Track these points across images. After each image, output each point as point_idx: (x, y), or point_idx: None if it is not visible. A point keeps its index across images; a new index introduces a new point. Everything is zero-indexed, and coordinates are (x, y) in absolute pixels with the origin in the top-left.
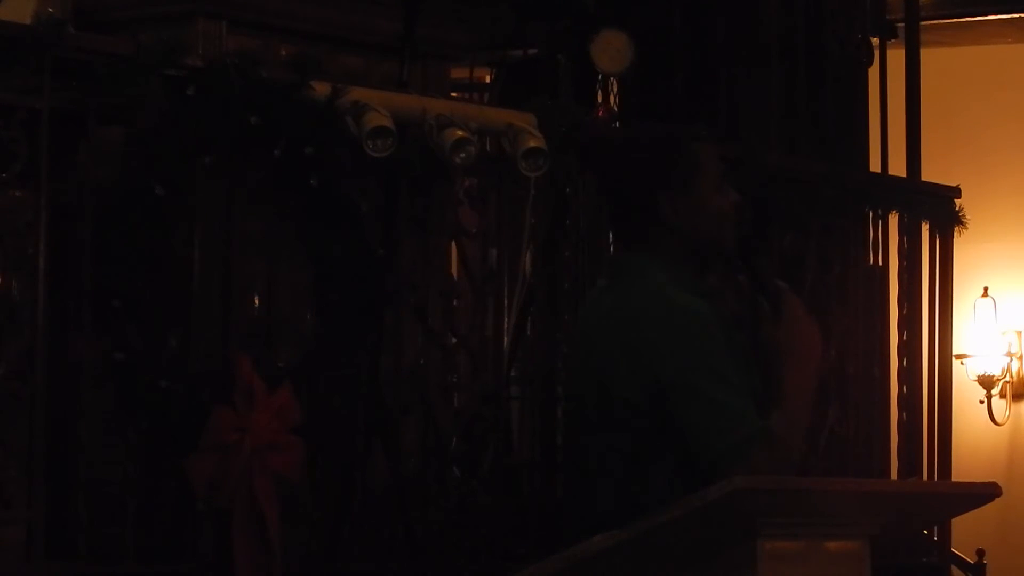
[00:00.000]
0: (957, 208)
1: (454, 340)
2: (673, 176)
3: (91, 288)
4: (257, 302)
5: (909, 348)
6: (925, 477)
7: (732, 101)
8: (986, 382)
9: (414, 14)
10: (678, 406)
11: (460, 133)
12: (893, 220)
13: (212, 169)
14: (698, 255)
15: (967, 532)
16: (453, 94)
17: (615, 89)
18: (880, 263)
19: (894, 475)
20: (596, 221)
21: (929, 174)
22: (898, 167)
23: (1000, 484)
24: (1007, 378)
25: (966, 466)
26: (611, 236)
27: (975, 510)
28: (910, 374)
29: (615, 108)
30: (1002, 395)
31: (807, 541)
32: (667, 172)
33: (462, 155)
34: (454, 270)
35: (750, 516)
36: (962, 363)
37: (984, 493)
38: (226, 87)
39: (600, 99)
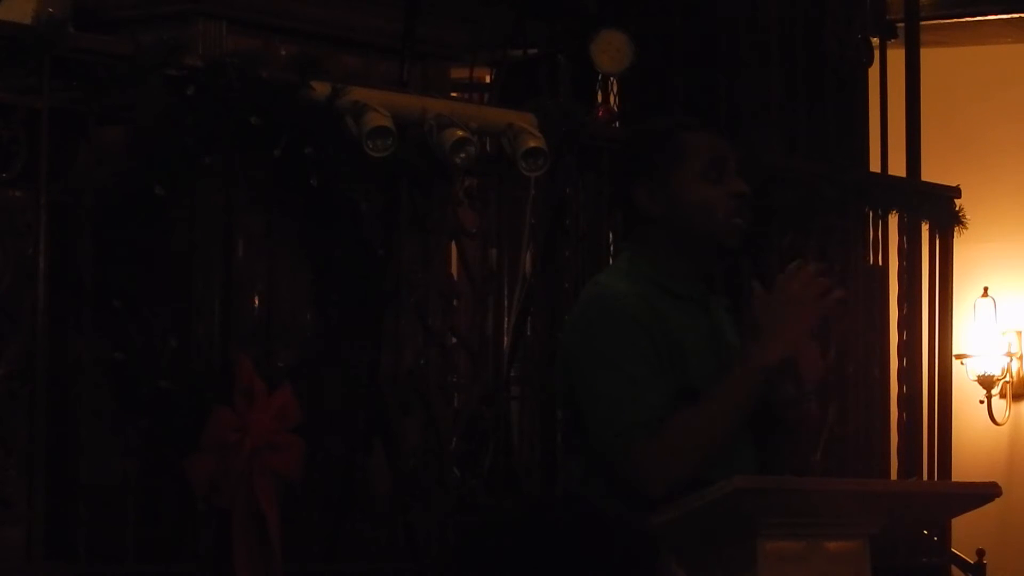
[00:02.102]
0: (957, 208)
1: (454, 340)
2: (650, 166)
3: (91, 288)
4: (257, 302)
5: (909, 348)
6: (925, 477)
7: (732, 101)
8: (986, 382)
9: (414, 14)
10: (577, 395)
11: (460, 133)
12: (893, 220)
13: (212, 169)
14: (692, 248)
15: (967, 532)
16: (453, 94)
17: (615, 89)
18: (880, 263)
19: (894, 475)
20: (596, 221)
21: (929, 174)
22: (898, 167)
23: (1000, 484)
24: (1007, 378)
25: (966, 466)
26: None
27: (975, 510)
28: (910, 374)
29: (615, 108)
30: (1002, 395)
31: (807, 541)
32: (643, 162)
33: (462, 155)
34: (454, 270)
35: (750, 516)
36: (962, 363)
37: (984, 493)
38: (226, 87)
39: (600, 99)
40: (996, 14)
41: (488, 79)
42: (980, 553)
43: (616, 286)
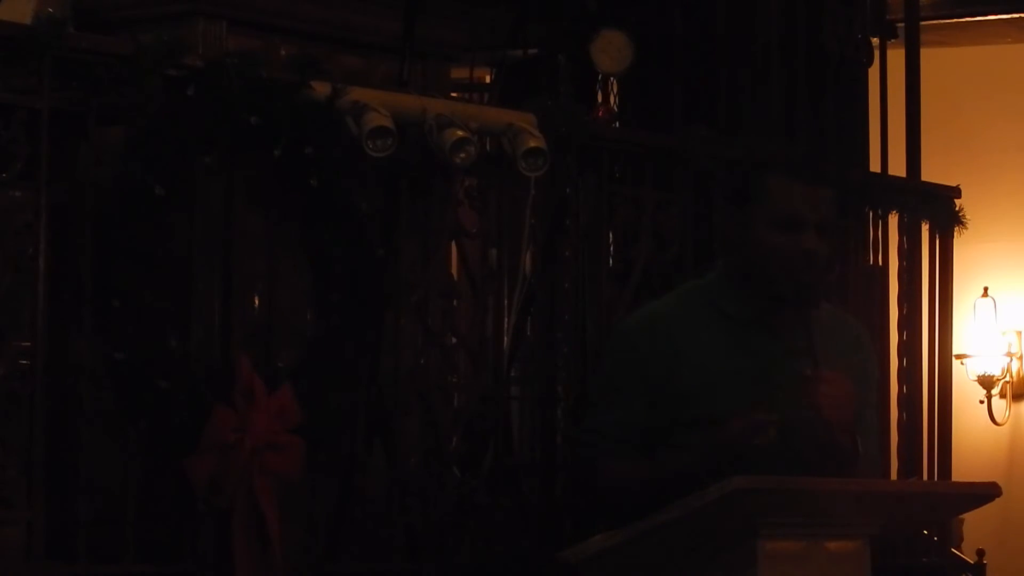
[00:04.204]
0: (957, 208)
1: (454, 340)
2: (733, 192)
3: (91, 288)
4: (257, 302)
5: (909, 348)
6: (925, 477)
7: (732, 101)
8: (986, 382)
9: (414, 14)
10: None
11: (460, 133)
12: (893, 220)
13: (212, 169)
14: (749, 284)
15: (967, 532)
16: (453, 94)
17: (615, 89)
18: (880, 263)
19: (894, 475)
20: (596, 221)
21: (929, 174)
22: (898, 167)
23: (1000, 484)
24: (1007, 378)
25: (966, 466)
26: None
27: (975, 510)
28: (910, 374)
29: (615, 108)
30: (1002, 395)
31: (807, 541)
32: (730, 190)
33: (462, 155)
34: (454, 270)
35: (750, 516)
36: (962, 363)
37: (984, 493)
38: (226, 87)
39: (600, 99)
40: (996, 14)
41: (488, 79)
42: (980, 553)
43: (651, 307)
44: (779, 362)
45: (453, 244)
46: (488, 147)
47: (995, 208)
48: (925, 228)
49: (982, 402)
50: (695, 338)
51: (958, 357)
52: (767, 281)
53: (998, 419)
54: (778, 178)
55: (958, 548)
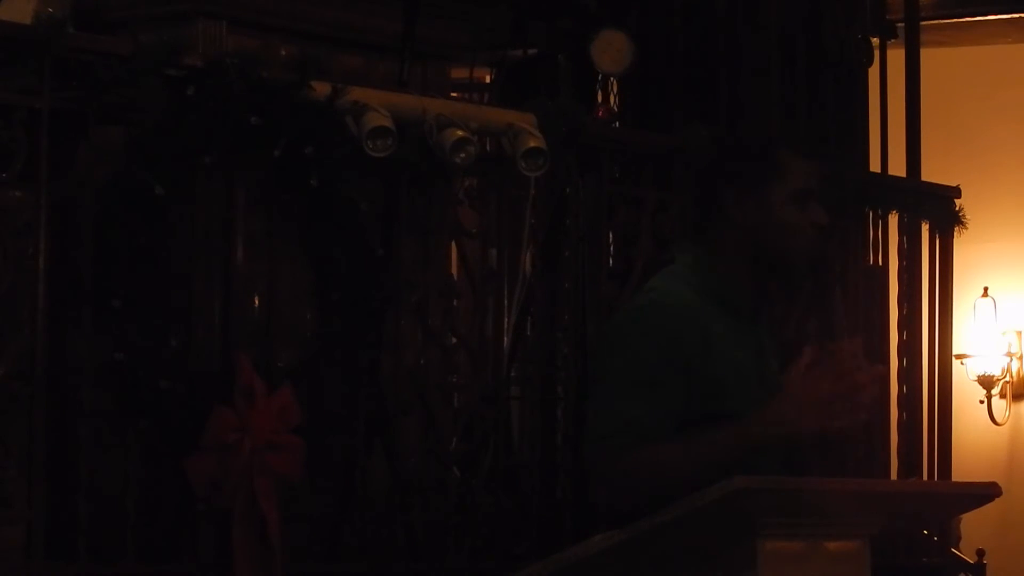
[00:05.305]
0: (957, 208)
1: (454, 340)
2: (745, 173)
3: (91, 288)
4: (257, 302)
5: (909, 348)
6: (925, 477)
7: (732, 101)
8: (986, 382)
9: (414, 14)
10: None
11: (460, 133)
12: (893, 220)
13: (212, 169)
14: (764, 262)
15: (967, 532)
16: (453, 94)
17: (615, 89)
18: (880, 263)
19: (894, 475)
20: (596, 221)
21: (929, 174)
22: (898, 167)
23: (1000, 484)
24: (1007, 378)
25: (966, 466)
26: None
27: (975, 510)
28: (910, 374)
29: (615, 108)
30: (1002, 395)
31: (807, 541)
32: (740, 168)
33: (462, 155)
34: (454, 270)
35: (750, 516)
36: (962, 363)
37: (984, 493)
38: (226, 87)
39: (600, 99)
40: (996, 14)
41: (488, 79)
42: (980, 553)
43: (667, 289)
44: (764, 357)
45: (453, 244)
46: (488, 147)
47: (995, 208)
48: (925, 228)
49: (982, 402)
50: (715, 327)
51: (958, 357)
52: (783, 258)
53: (998, 419)
54: (788, 153)
55: (957, 548)
